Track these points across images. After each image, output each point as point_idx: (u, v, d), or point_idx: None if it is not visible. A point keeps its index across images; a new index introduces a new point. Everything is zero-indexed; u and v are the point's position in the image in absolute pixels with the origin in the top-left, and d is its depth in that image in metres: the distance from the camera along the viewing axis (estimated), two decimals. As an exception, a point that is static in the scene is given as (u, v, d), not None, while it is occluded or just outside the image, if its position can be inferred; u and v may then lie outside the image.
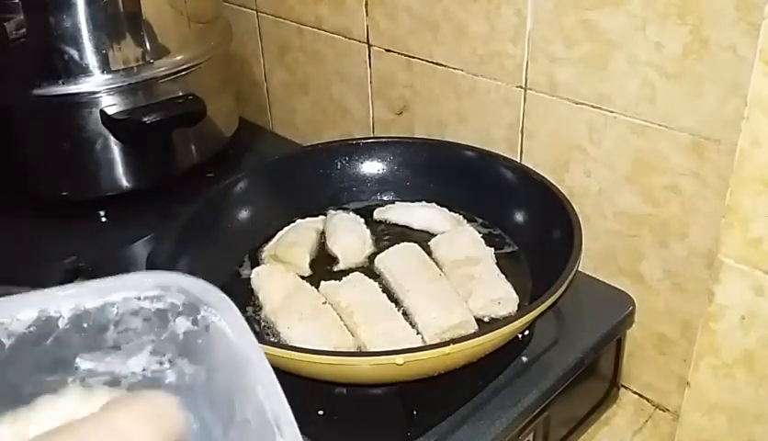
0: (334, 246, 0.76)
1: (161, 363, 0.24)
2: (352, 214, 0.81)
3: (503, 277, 0.69)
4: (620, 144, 0.72)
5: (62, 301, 0.23)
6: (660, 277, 0.74)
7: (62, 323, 0.23)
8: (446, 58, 0.84)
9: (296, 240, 0.77)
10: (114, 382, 0.24)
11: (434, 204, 0.81)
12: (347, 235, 0.77)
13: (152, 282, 0.24)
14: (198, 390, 0.24)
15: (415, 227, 0.80)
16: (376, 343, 0.62)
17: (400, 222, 0.80)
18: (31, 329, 0.23)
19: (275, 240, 0.78)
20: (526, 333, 0.66)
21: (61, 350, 0.23)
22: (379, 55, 0.92)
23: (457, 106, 0.86)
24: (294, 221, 0.80)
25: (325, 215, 0.81)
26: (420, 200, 0.82)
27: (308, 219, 0.81)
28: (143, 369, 0.24)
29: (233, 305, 0.24)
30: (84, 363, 0.23)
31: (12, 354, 0.22)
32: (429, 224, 0.79)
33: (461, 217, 0.80)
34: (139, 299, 0.24)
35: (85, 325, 0.23)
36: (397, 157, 0.85)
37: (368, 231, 0.79)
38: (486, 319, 0.66)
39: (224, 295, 0.24)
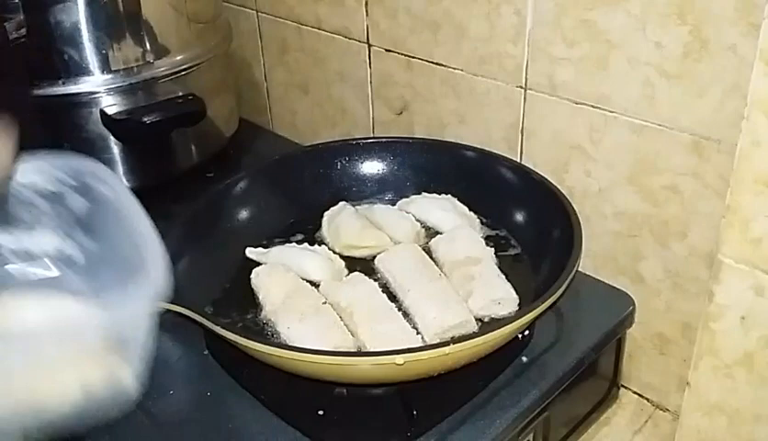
0: (397, 234, 0.77)
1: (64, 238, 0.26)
2: (388, 205, 0.83)
3: (503, 276, 0.69)
4: (620, 144, 0.72)
5: None
6: (660, 277, 0.74)
7: None
8: (445, 58, 0.84)
9: (362, 223, 0.78)
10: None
11: (456, 200, 0.81)
12: (403, 222, 0.79)
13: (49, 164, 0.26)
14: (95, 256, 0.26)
15: (429, 224, 0.80)
16: (376, 343, 0.62)
17: (418, 216, 0.81)
18: None
19: (332, 234, 0.78)
20: (526, 333, 0.66)
21: None
22: (379, 55, 0.92)
23: (457, 106, 0.86)
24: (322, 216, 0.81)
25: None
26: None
27: (340, 203, 0.82)
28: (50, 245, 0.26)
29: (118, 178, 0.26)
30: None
31: None
32: (439, 223, 0.79)
33: (474, 216, 0.80)
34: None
35: None
36: (397, 157, 0.85)
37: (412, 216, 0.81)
38: (486, 319, 0.66)
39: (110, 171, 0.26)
